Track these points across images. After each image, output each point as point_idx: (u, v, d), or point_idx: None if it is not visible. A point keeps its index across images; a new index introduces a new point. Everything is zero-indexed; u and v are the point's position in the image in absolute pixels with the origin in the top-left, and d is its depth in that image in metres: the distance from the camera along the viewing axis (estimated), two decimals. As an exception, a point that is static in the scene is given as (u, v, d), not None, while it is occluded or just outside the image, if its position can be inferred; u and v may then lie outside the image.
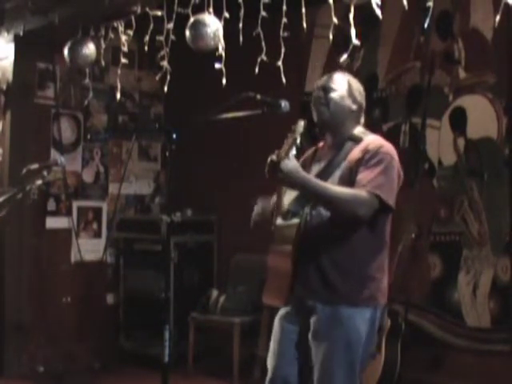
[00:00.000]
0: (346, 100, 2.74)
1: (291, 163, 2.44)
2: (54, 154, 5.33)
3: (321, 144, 2.93)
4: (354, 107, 2.75)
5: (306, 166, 2.80)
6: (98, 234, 5.74)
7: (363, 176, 2.55)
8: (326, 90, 2.73)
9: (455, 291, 4.35)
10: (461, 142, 4.37)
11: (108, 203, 5.81)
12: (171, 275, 5.22)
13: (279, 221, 2.66)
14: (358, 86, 2.79)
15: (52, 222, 5.45)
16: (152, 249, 5.48)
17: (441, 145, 4.44)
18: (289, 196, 2.68)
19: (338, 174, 2.64)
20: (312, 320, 2.58)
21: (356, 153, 2.64)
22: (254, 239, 5.21)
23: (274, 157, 2.47)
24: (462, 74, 4.37)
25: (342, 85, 2.74)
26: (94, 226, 5.73)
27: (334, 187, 2.54)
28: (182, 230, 5.36)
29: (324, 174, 2.66)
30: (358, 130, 2.76)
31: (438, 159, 4.46)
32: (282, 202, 2.66)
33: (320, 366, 2.55)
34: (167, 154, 3.04)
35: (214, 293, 5.21)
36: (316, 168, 2.76)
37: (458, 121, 4.37)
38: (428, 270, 4.46)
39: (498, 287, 4.17)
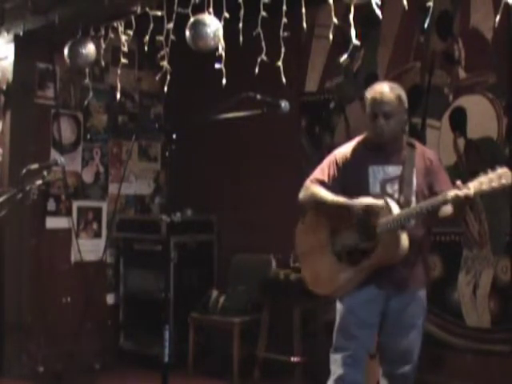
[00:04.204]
0: (402, 117, 3.01)
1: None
2: (54, 154, 5.33)
3: (360, 138, 3.14)
4: (406, 117, 3.05)
5: (354, 163, 3.06)
6: (98, 234, 5.74)
7: (445, 184, 2.97)
8: (388, 116, 2.94)
9: (455, 291, 4.35)
10: (461, 141, 4.37)
11: (108, 203, 5.80)
12: (171, 275, 5.22)
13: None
14: (403, 94, 3.02)
15: (52, 222, 5.45)
16: (152, 249, 5.48)
17: (441, 145, 4.44)
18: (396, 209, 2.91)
19: (414, 181, 2.97)
20: (391, 306, 2.99)
21: (419, 160, 3.02)
22: (254, 239, 5.26)
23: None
24: (461, 73, 4.37)
25: (396, 103, 2.96)
26: (94, 226, 5.73)
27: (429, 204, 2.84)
28: (182, 230, 5.35)
29: (404, 180, 2.95)
30: (407, 137, 3.13)
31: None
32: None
33: (402, 341, 2.99)
34: (167, 154, 3.05)
35: (214, 293, 5.21)
36: (383, 169, 3.00)
37: (458, 121, 4.37)
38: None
39: (498, 287, 4.17)
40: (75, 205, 5.61)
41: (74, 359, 5.23)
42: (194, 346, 5.12)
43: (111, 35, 4.41)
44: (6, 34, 4.96)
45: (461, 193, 2.69)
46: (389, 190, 2.96)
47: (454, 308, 4.34)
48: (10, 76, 5.18)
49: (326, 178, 3.12)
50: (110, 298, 5.77)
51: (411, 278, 2.99)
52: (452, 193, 2.73)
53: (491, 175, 2.68)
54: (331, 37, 3.32)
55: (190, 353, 5.11)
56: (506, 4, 2.88)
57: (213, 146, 5.69)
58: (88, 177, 5.71)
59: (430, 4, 3.05)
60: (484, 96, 4.25)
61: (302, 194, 3.18)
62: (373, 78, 4.78)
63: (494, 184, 2.65)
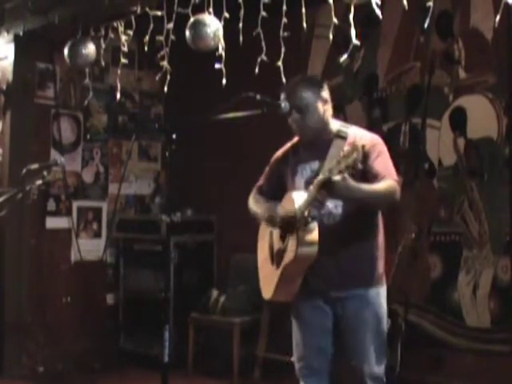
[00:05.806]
0: (320, 108, 2.82)
1: (342, 178, 2.49)
2: (54, 154, 5.34)
3: (296, 139, 3.00)
4: (327, 107, 2.85)
5: (289, 163, 2.94)
6: (97, 234, 5.74)
7: (379, 168, 2.72)
8: (301, 110, 2.79)
9: (455, 291, 4.35)
10: (461, 141, 4.37)
11: (108, 203, 5.81)
12: (171, 275, 5.22)
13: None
14: (314, 83, 2.88)
15: (52, 222, 5.45)
16: (152, 249, 5.48)
17: (441, 145, 4.44)
18: (298, 202, 2.69)
19: None
20: (339, 308, 2.81)
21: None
22: (255, 239, 5.25)
23: (321, 177, 2.53)
24: (462, 73, 4.37)
25: (306, 96, 2.79)
26: (94, 226, 5.73)
27: (375, 188, 2.66)
28: (182, 230, 5.36)
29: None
30: (339, 125, 2.88)
31: (438, 159, 4.46)
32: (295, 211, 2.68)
33: (356, 345, 2.80)
34: (167, 154, 3.05)
35: (214, 293, 5.21)
36: (310, 167, 2.85)
37: (458, 121, 4.37)
38: (428, 270, 4.45)
39: (497, 287, 4.17)
40: (75, 205, 5.61)
41: (73, 359, 5.24)
42: (194, 346, 5.12)
43: (111, 35, 4.41)
44: (6, 33, 4.96)
45: (321, 178, 2.53)
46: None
47: (454, 308, 4.34)
48: (10, 76, 5.19)
49: (263, 182, 3.13)
50: (110, 298, 5.77)
51: (352, 276, 2.78)
52: (317, 180, 2.56)
53: (348, 151, 2.48)
54: (331, 37, 3.31)
55: (190, 353, 5.11)
56: (506, 4, 2.87)
57: (213, 146, 5.68)
58: (88, 177, 5.71)
59: (430, 4, 3.04)
60: (484, 96, 4.25)
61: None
62: (373, 78, 4.80)
63: (350, 161, 2.45)
